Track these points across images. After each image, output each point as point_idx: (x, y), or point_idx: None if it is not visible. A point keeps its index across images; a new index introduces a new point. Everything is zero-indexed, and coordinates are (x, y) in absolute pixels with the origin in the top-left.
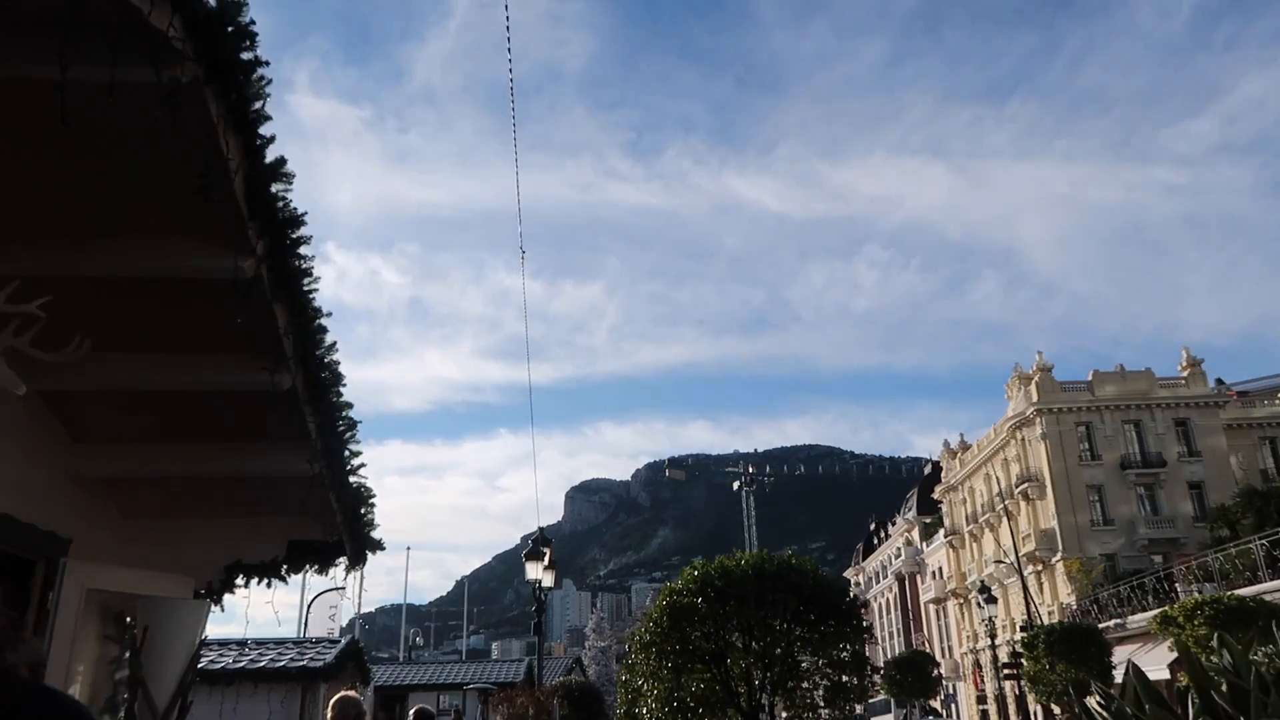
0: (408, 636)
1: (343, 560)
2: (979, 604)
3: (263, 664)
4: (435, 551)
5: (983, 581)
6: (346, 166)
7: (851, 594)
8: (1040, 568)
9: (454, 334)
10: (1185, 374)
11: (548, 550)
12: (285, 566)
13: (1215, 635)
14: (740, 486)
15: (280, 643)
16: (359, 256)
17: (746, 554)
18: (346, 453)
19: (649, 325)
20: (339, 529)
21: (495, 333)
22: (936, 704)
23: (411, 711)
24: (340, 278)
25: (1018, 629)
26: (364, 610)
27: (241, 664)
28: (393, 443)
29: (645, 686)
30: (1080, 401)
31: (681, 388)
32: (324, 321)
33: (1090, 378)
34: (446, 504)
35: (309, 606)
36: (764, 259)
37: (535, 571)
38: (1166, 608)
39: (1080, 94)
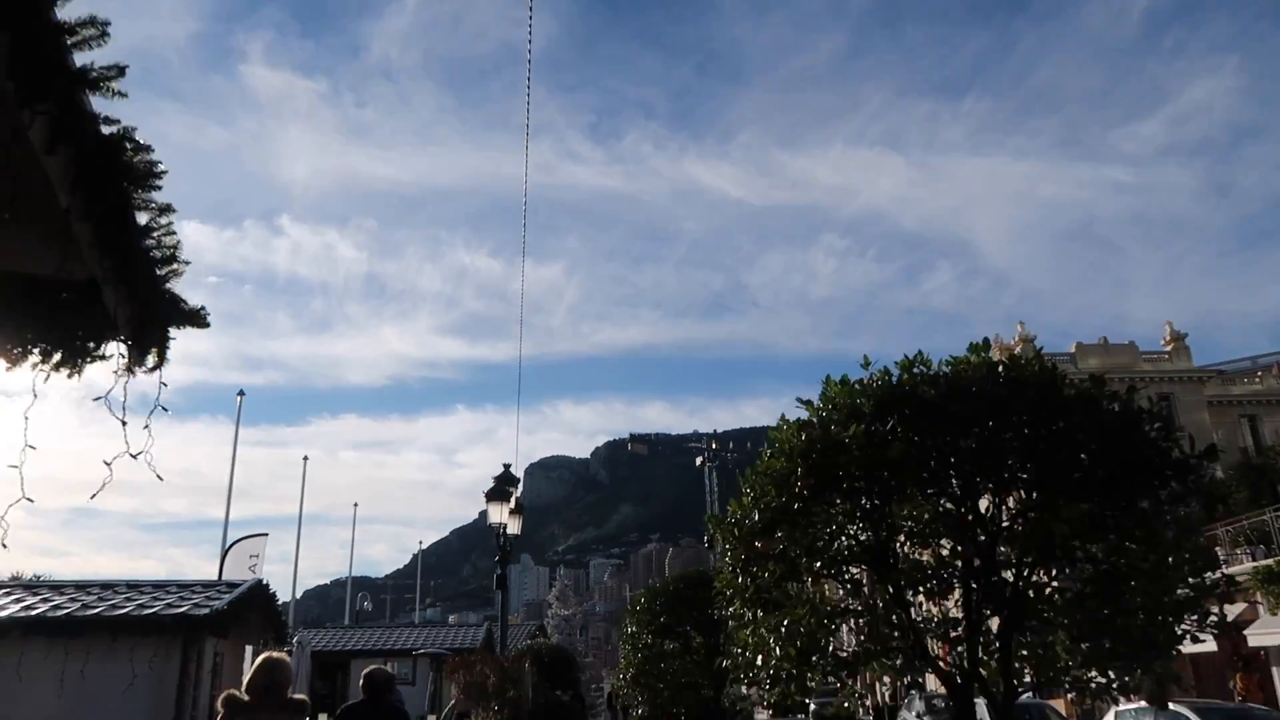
0: (357, 603)
1: (117, 345)
2: None
3: (126, 610)
4: (391, 525)
5: None
6: (303, 139)
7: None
8: None
9: (411, 310)
10: (1169, 348)
11: (514, 490)
12: None
13: None
14: (703, 463)
15: (160, 584)
16: (315, 230)
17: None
18: (81, 55)
19: (608, 306)
20: (90, 253)
21: (453, 310)
22: None
23: (363, 674)
24: (295, 251)
25: None
26: (318, 582)
27: (96, 610)
28: (348, 417)
29: (749, 617)
30: (1066, 374)
31: (640, 368)
32: None
33: (1073, 350)
34: (403, 479)
35: (224, 556)
36: (723, 244)
37: (499, 514)
38: (1272, 561)
39: (1033, 92)
